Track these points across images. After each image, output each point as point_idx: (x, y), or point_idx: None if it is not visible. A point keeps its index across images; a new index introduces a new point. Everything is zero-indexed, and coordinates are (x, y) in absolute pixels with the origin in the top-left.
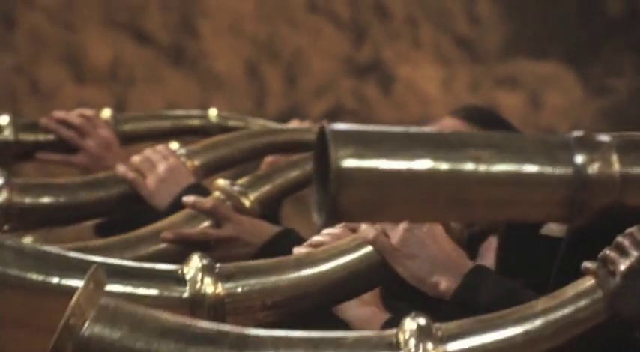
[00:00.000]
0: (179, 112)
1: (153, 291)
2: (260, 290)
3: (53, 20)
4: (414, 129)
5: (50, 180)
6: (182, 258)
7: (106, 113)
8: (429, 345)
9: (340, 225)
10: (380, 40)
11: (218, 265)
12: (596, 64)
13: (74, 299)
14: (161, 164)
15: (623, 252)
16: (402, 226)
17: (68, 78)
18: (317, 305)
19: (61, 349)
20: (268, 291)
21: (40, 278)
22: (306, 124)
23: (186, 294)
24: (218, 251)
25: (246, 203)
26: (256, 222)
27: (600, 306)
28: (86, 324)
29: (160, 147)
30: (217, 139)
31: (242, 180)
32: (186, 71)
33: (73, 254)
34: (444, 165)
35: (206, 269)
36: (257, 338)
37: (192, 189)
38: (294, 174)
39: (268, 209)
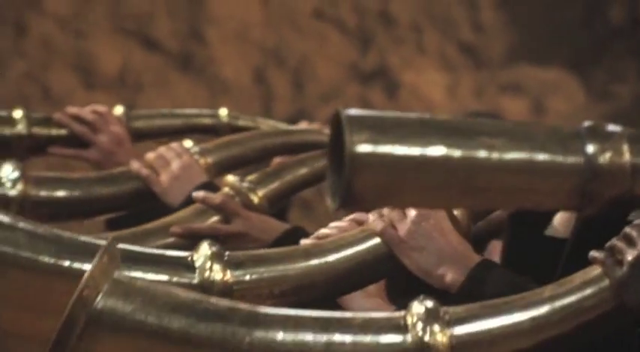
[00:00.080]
0: (190, 111)
1: (162, 277)
2: (268, 278)
3: (63, 28)
4: (428, 115)
5: (65, 174)
6: None
7: (119, 110)
8: (436, 328)
9: (347, 219)
10: (385, 46)
11: (227, 253)
12: (599, 70)
13: (88, 271)
14: (175, 161)
15: (630, 243)
16: (410, 219)
17: (78, 84)
18: (324, 295)
19: (73, 320)
20: (276, 280)
21: (52, 260)
22: (315, 126)
23: (195, 281)
24: (226, 246)
25: (255, 199)
26: (265, 218)
27: (607, 295)
28: (99, 297)
29: (174, 144)
30: (230, 138)
31: (251, 177)
32: (194, 77)
33: (84, 237)
34: (457, 152)
35: (215, 257)
36: (267, 316)
37: (205, 187)
38: (302, 171)
39: (276, 206)
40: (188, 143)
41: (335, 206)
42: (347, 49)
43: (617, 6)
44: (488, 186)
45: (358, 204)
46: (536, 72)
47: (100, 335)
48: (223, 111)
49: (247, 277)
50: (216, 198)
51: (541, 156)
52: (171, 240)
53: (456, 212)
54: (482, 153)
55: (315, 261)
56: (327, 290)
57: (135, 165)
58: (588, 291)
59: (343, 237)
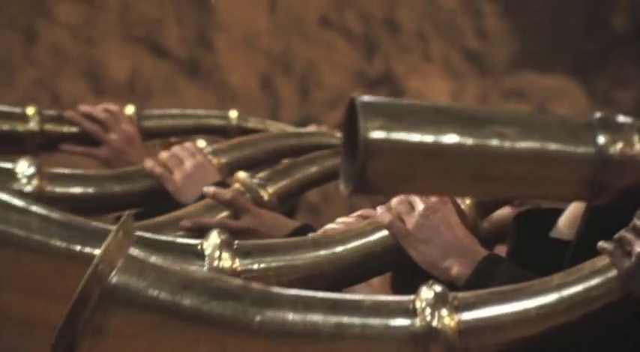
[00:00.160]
0: (201, 112)
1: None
2: (276, 268)
3: (73, 35)
4: (442, 103)
5: (80, 171)
6: None
7: (130, 109)
8: (445, 313)
9: (354, 215)
10: (391, 53)
11: (236, 242)
12: (602, 76)
13: (104, 246)
14: (188, 161)
15: (639, 234)
16: (418, 212)
17: (88, 90)
18: (330, 285)
19: (88, 295)
20: (284, 269)
21: (64, 244)
22: (323, 129)
23: (204, 268)
24: None
25: (265, 196)
26: (274, 215)
27: (614, 285)
28: (114, 272)
29: (188, 144)
30: (243, 139)
31: (261, 174)
32: (202, 84)
33: (96, 223)
34: (469, 141)
35: (224, 245)
36: (279, 296)
37: (218, 186)
38: (312, 169)
39: (286, 203)
40: (201, 143)
41: (348, 191)
42: (353, 56)
43: (619, 14)
44: (499, 174)
45: (371, 190)
46: (539, 78)
47: (113, 309)
48: (233, 113)
49: (255, 266)
50: (226, 193)
51: (552, 146)
52: (180, 234)
53: (463, 206)
54: (494, 142)
55: (323, 252)
56: (335, 280)
57: (149, 164)
58: (596, 281)
59: (351, 229)
